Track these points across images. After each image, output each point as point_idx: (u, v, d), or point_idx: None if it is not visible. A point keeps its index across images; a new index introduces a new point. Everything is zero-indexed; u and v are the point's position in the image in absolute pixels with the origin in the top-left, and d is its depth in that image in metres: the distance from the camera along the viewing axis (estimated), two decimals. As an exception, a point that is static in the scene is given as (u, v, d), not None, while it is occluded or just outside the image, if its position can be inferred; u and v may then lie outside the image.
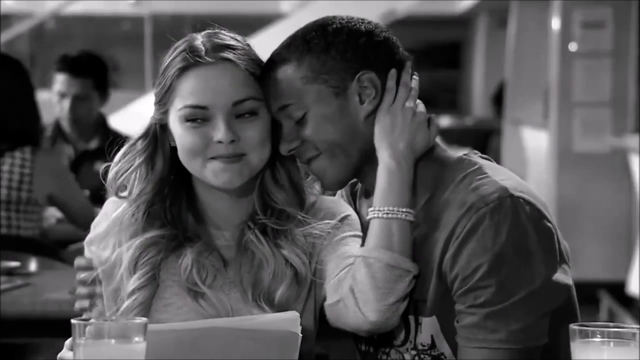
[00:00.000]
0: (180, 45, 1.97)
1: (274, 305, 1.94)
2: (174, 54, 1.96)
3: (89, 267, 1.99)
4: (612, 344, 1.59)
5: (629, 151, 6.72)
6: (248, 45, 1.99)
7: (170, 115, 1.97)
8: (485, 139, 11.25)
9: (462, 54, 14.54)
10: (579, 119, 7.43)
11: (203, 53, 1.94)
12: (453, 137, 11.32)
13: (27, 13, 11.16)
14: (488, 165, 1.91)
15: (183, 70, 1.94)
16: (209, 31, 1.99)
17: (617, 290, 6.84)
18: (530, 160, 9.27)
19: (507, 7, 10.07)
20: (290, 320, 1.80)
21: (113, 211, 2.02)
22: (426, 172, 1.93)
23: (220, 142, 1.92)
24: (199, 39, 1.97)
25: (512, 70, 9.75)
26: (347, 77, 1.91)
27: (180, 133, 1.95)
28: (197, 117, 1.93)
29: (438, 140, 2.00)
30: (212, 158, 1.93)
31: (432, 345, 1.90)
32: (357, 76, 1.91)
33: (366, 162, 1.95)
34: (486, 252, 1.79)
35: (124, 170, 2.00)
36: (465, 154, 1.96)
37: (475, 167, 1.89)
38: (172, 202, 2.00)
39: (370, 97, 1.92)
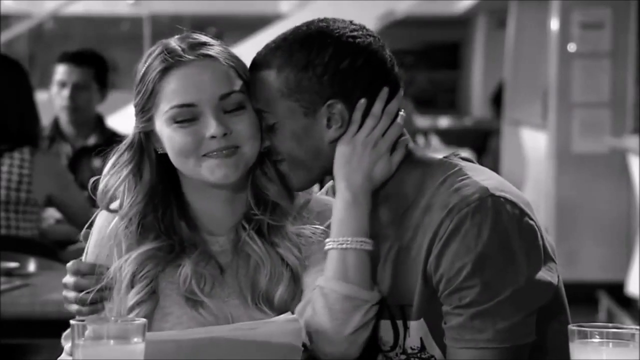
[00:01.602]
0: (155, 50, 1.96)
1: (274, 306, 1.94)
2: (149, 60, 1.95)
3: (88, 272, 2.00)
4: (611, 344, 1.59)
5: (628, 152, 6.72)
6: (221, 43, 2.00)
7: (156, 120, 1.95)
8: (484, 139, 11.26)
9: (461, 55, 14.55)
10: (578, 120, 7.44)
11: (182, 52, 1.94)
12: (452, 137, 11.32)
13: (26, 13, 11.16)
14: (469, 167, 1.91)
15: (164, 72, 1.93)
16: (180, 35, 1.99)
17: (616, 290, 6.84)
18: (529, 161, 9.28)
19: (506, 7, 10.08)
20: (293, 331, 1.81)
21: (104, 226, 2.02)
22: (408, 177, 1.92)
23: (213, 137, 1.91)
24: (173, 42, 1.96)
25: (511, 70, 9.75)
26: (318, 101, 1.90)
27: (169, 135, 1.94)
28: (186, 116, 1.92)
29: (435, 144, 1.99)
30: (206, 155, 1.92)
31: (422, 348, 1.90)
32: (327, 103, 1.90)
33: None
34: (469, 252, 1.79)
35: (112, 182, 1.99)
36: (445, 157, 1.96)
37: (456, 168, 1.89)
38: (164, 211, 1.99)
39: (337, 124, 1.91)
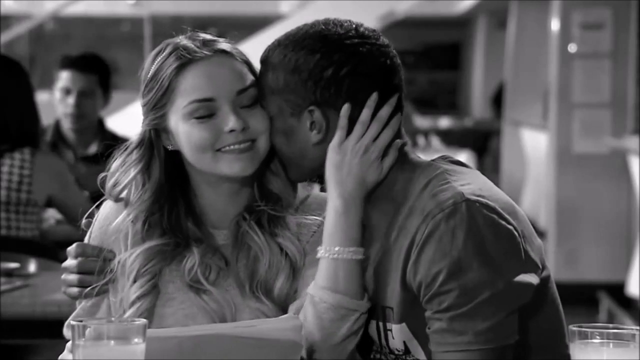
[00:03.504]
0: (166, 48, 1.97)
1: (273, 297, 1.95)
2: (160, 58, 1.96)
3: (94, 254, 2.01)
4: (611, 345, 1.60)
5: (628, 152, 6.72)
6: None
7: (171, 116, 1.96)
8: (484, 140, 11.27)
9: (461, 55, 14.55)
10: (579, 120, 7.44)
11: (197, 48, 1.95)
12: (453, 138, 11.33)
13: (26, 14, 11.16)
14: (453, 170, 1.90)
15: (180, 68, 1.94)
16: (185, 35, 1.99)
17: (617, 291, 6.84)
18: (529, 162, 9.28)
19: (507, 7, 10.08)
20: (293, 328, 1.81)
21: (110, 214, 2.03)
22: (397, 180, 1.93)
23: (232, 130, 1.93)
24: (184, 40, 1.98)
25: (511, 71, 9.75)
26: (302, 104, 1.92)
27: (186, 130, 1.95)
28: (204, 111, 1.93)
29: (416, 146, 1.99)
30: (222, 149, 1.94)
31: (407, 351, 1.91)
32: (307, 108, 1.92)
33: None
34: (444, 257, 1.79)
35: (121, 180, 2.00)
36: (433, 160, 1.96)
37: (438, 172, 1.89)
38: (170, 210, 2.00)
39: (316, 130, 1.92)
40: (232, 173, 1.95)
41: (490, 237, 1.80)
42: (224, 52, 1.96)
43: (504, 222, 1.83)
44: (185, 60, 1.94)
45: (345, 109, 1.91)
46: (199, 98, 1.94)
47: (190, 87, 1.94)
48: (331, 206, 1.91)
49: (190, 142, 1.95)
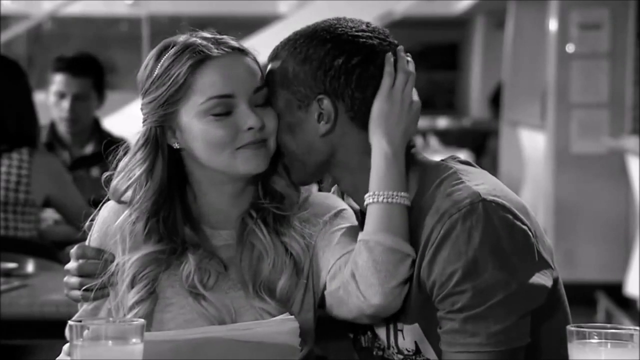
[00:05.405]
0: (172, 46, 1.96)
1: (275, 296, 1.94)
2: (170, 55, 1.94)
3: (94, 257, 2.01)
4: (609, 345, 1.59)
5: (626, 152, 6.73)
6: None
7: (183, 113, 1.95)
8: (482, 140, 11.27)
9: (459, 55, 14.55)
10: (577, 120, 7.44)
11: (212, 45, 1.95)
12: (451, 138, 11.33)
13: (24, 14, 11.16)
14: (464, 170, 1.91)
15: (197, 65, 1.93)
16: (193, 33, 1.99)
17: (615, 291, 6.85)
18: (527, 162, 9.28)
19: (505, 8, 10.08)
20: (290, 331, 1.81)
21: (110, 217, 2.02)
22: (408, 179, 1.93)
23: (251, 128, 1.93)
24: (194, 38, 1.97)
25: (509, 71, 9.75)
26: (311, 95, 1.93)
27: (202, 128, 1.94)
28: (222, 109, 1.93)
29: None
30: (239, 147, 1.94)
31: (417, 351, 1.91)
32: (317, 98, 1.92)
33: (336, 168, 1.96)
34: (460, 257, 1.79)
35: (125, 180, 1.99)
36: (443, 160, 1.96)
37: (450, 172, 1.90)
38: (167, 214, 1.98)
39: (324, 120, 1.93)
40: (245, 171, 1.95)
41: (505, 238, 1.80)
42: (238, 49, 1.96)
43: (518, 223, 1.83)
44: (201, 57, 1.93)
45: (389, 56, 1.93)
46: (218, 94, 1.93)
47: (208, 84, 1.93)
48: (380, 153, 1.90)
49: (206, 140, 1.94)
